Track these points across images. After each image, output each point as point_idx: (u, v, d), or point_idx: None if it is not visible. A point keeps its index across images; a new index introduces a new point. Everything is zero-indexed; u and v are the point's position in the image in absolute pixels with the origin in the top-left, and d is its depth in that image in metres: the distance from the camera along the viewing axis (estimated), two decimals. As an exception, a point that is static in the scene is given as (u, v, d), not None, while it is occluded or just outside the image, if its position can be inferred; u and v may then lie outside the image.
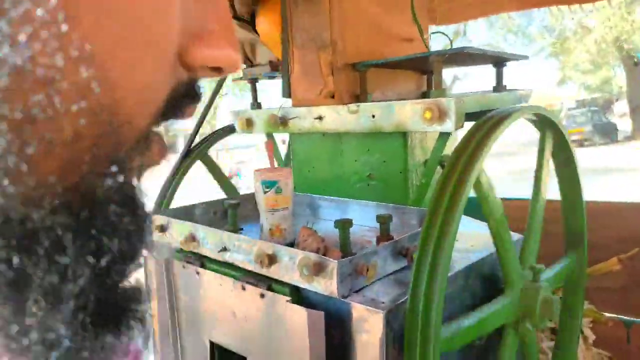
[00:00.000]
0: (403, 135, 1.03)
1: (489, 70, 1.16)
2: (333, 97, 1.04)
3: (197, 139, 1.36)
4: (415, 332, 0.69)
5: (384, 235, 0.93)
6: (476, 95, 0.99)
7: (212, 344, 0.98)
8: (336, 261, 0.72)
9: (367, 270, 0.75)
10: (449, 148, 1.01)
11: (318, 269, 0.74)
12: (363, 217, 1.10)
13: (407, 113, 0.93)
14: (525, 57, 1.15)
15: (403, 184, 1.06)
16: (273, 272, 0.82)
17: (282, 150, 1.50)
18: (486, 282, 0.93)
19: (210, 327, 0.97)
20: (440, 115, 0.87)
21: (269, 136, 1.30)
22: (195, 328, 1.02)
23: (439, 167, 1.03)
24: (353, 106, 1.00)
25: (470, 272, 0.89)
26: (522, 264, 0.89)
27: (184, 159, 1.31)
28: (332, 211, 1.18)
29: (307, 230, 0.93)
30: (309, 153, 1.21)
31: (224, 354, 0.98)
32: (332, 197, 1.17)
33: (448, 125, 0.88)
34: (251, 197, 1.30)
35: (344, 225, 0.87)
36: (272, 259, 0.81)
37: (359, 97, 1.05)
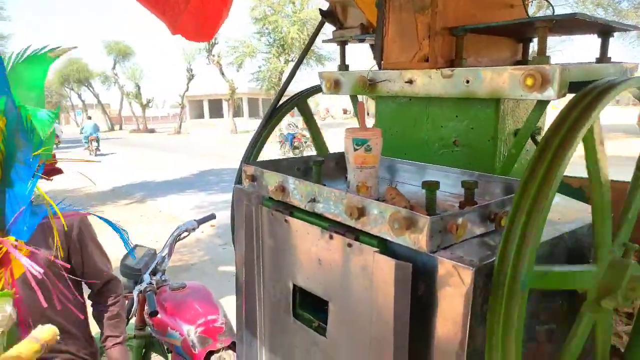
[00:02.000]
0: (496, 102, 1.02)
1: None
2: (427, 60, 1.04)
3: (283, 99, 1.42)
4: (501, 290, 0.71)
5: (469, 201, 0.94)
6: (580, 65, 0.95)
7: (295, 287, 1.05)
8: (428, 217, 0.75)
9: (457, 229, 0.78)
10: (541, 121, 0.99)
11: (409, 224, 0.77)
12: (444, 184, 1.11)
13: (506, 79, 0.92)
14: (637, 28, 1.08)
15: (491, 152, 1.06)
16: (361, 224, 0.87)
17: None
18: (572, 256, 0.93)
19: (295, 272, 1.05)
20: (543, 82, 0.86)
21: (353, 99, 1.32)
22: (279, 272, 1.10)
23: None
24: (447, 70, 1.00)
25: (558, 244, 0.88)
26: (614, 241, 0.88)
27: (270, 116, 1.37)
28: (411, 175, 1.20)
29: (394, 190, 0.97)
30: (394, 117, 1.23)
31: (305, 297, 1.06)
32: (413, 162, 1.19)
33: (550, 92, 0.86)
34: (333, 157, 1.35)
35: (431, 186, 0.90)
36: (361, 212, 0.86)
37: (454, 62, 1.05)
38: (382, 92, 1.14)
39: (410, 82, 1.07)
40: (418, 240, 0.77)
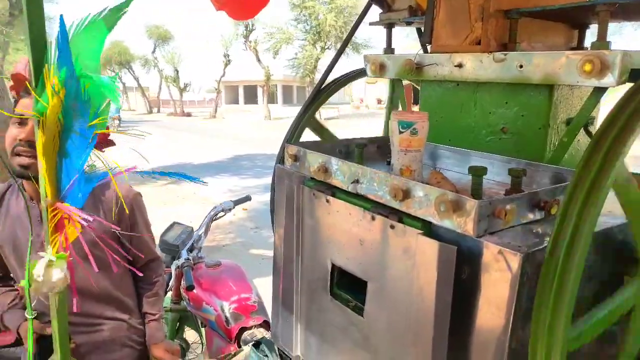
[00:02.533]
0: (549, 89, 0.99)
1: None
2: (479, 44, 1.02)
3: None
4: (551, 279, 0.69)
5: (515, 189, 0.92)
6: (643, 52, 0.91)
7: (333, 266, 1.07)
8: (477, 200, 0.74)
9: (505, 214, 0.76)
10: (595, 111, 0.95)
11: (456, 207, 0.76)
12: (490, 172, 1.08)
13: (562, 64, 0.89)
14: None
15: (541, 140, 1.03)
16: (405, 206, 0.87)
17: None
18: (620, 251, 0.89)
19: (334, 252, 1.06)
20: (602, 68, 0.82)
21: (395, 84, 1.31)
22: (318, 251, 1.11)
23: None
24: (500, 54, 0.98)
25: (607, 237, 0.86)
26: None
27: (314, 98, 1.38)
28: (455, 162, 1.19)
29: (439, 174, 0.96)
30: (439, 102, 1.21)
31: (343, 277, 1.07)
32: (458, 148, 1.17)
33: (609, 79, 0.83)
34: (375, 141, 1.34)
35: (477, 171, 0.88)
36: (406, 194, 0.85)
37: (506, 46, 1.02)
38: (429, 76, 1.13)
39: (459, 66, 1.05)
40: (464, 223, 0.76)
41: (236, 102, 37.91)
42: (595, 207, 0.68)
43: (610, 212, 0.95)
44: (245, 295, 2.32)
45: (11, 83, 1.01)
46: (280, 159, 1.35)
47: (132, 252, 1.57)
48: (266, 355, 1.46)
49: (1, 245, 1.47)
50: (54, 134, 0.96)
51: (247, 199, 2.82)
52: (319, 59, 23.52)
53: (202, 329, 2.42)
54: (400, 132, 0.98)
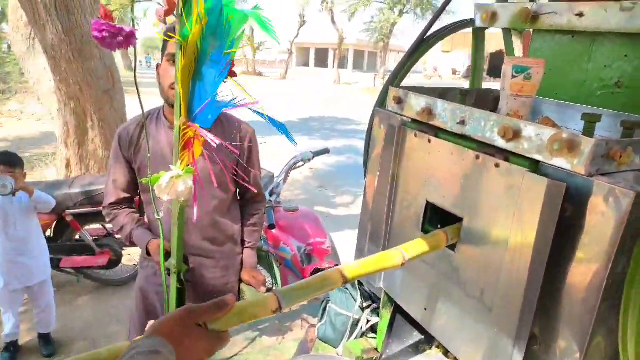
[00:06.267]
0: (677, 42, 0.96)
1: None
2: (604, -8, 1.00)
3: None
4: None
5: (627, 141, 0.92)
6: None
7: (428, 203, 1.13)
8: (593, 139, 0.76)
9: (620, 156, 0.78)
10: None
11: (571, 145, 0.79)
12: (599, 127, 1.08)
13: (698, 14, 0.86)
14: None
15: (658, 96, 1.00)
16: (512, 146, 0.90)
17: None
18: None
19: (430, 190, 1.12)
20: None
21: (506, 33, 1.30)
22: (413, 190, 1.18)
23: None
24: (628, 3, 0.96)
25: None
26: None
27: (417, 47, 1.40)
28: (561, 117, 1.18)
29: (549, 120, 0.97)
30: (551, 54, 1.20)
31: (435, 214, 1.13)
32: (566, 102, 1.16)
33: None
34: (475, 93, 1.36)
35: (592, 117, 0.89)
36: (516, 133, 0.88)
37: (634, -5, 0.99)
38: (545, 25, 1.12)
39: (580, 15, 1.03)
40: (577, 162, 0.78)
41: (307, 64, 37.93)
42: None
43: None
44: (321, 239, 2.46)
45: (165, 7, 1.12)
46: (380, 102, 1.41)
47: (243, 183, 1.73)
48: (346, 288, 1.58)
49: (141, 167, 1.66)
50: (191, 59, 1.08)
51: (326, 151, 2.92)
52: (396, 23, 22.76)
53: (277, 267, 2.61)
54: (514, 77, 0.99)
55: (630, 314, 0.76)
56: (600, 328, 0.80)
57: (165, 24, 1.21)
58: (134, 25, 1.04)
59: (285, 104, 15.72)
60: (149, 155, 1.19)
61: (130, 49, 1.07)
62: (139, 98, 1.21)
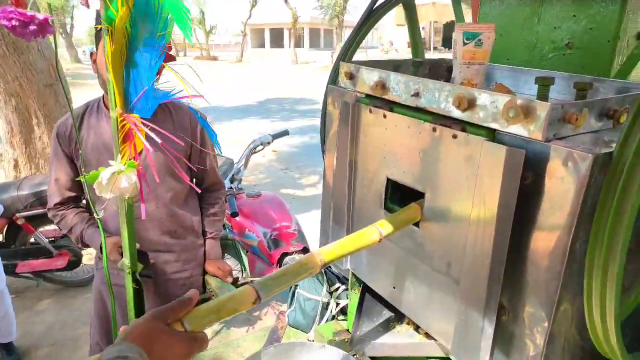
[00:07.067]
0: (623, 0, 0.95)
1: None
2: (551, -50, 0.97)
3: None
4: (617, 181, 0.70)
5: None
6: None
7: (388, 180, 1.09)
8: (548, 104, 0.74)
9: (577, 119, 0.76)
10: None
11: (526, 112, 0.76)
12: (552, 90, 1.06)
13: (644, -33, 0.84)
14: None
15: (608, 54, 1.00)
16: (468, 116, 0.87)
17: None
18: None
19: (390, 166, 1.08)
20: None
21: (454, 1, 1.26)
22: (373, 168, 1.14)
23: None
24: (575, -40, 0.93)
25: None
26: None
27: (366, 19, 1.35)
28: (513, 82, 1.17)
29: (504, 87, 0.95)
30: (500, 19, 1.17)
31: (396, 191, 1.10)
32: (518, 67, 1.14)
33: (698, -20, 0.78)
34: (429, 63, 1.32)
35: (545, 81, 0.87)
36: (471, 103, 0.85)
37: (581, -48, 0.97)
38: (491, -12, 1.09)
39: (527, -25, 1.00)
40: (533, 128, 0.76)
41: (262, 45, 37.19)
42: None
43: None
44: (286, 223, 2.41)
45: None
46: (333, 79, 1.36)
47: (199, 172, 1.65)
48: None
49: (89, 163, 1.55)
50: (122, 44, 0.98)
51: (285, 132, 2.86)
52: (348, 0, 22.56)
53: (244, 255, 2.56)
54: (465, 44, 0.96)
55: (594, 278, 0.75)
56: (567, 294, 0.79)
57: (88, 7, 1.11)
58: (50, 11, 0.93)
59: (243, 87, 15.41)
60: (80, 151, 1.10)
61: (75, 39, 0.96)
62: (65, 91, 1.12)
